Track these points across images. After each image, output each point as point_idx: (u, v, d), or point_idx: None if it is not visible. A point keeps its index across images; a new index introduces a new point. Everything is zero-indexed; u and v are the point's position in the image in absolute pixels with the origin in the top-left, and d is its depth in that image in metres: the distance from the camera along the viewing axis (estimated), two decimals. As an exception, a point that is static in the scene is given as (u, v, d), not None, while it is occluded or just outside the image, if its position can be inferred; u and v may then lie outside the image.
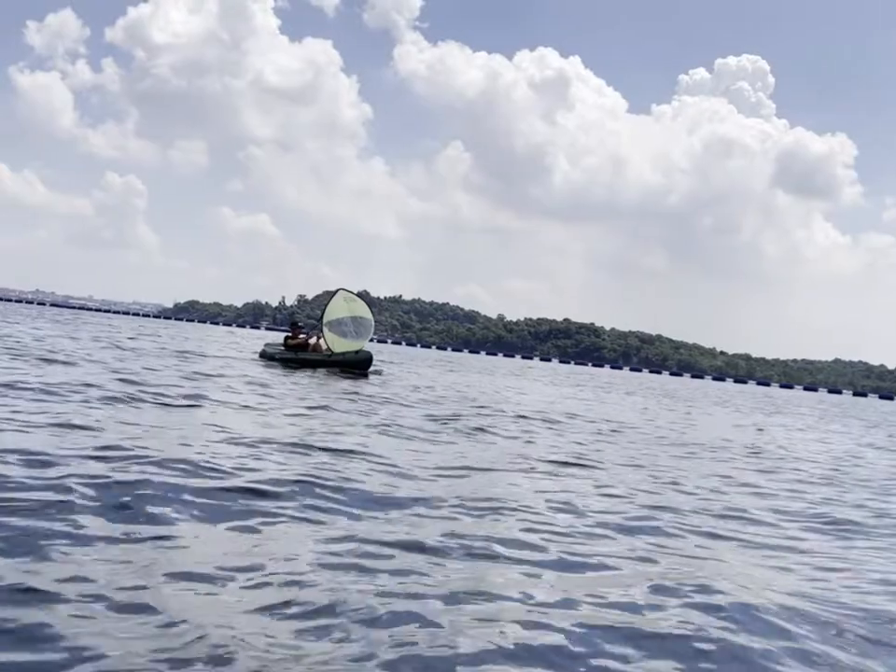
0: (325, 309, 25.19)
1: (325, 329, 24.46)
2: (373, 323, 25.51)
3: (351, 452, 7.86)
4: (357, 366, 24.04)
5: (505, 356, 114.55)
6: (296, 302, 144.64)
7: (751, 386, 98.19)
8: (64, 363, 14.52)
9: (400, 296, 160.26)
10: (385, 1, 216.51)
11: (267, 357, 25.26)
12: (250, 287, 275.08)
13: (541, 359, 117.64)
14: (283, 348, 25.14)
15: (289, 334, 25.97)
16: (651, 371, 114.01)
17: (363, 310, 25.39)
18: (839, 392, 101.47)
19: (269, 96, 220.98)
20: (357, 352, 24.25)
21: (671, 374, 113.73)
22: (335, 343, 24.29)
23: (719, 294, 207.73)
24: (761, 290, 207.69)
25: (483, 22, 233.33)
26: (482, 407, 15.79)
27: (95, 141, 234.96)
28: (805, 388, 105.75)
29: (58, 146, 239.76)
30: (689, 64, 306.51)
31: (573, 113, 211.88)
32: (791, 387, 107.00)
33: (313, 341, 25.11)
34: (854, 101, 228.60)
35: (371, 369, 24.58)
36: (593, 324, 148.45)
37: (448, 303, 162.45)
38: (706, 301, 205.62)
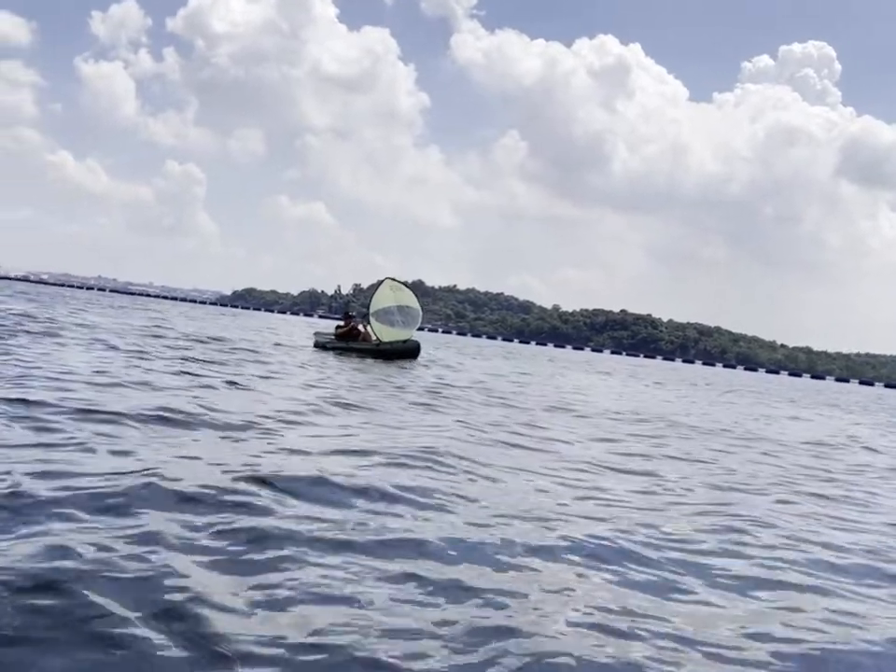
0: (371, 299, 25.93)
1: (372, 319, 25.15)
2: (421, 312, 26.16)
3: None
4: (404, 355, 24.73)
5: (556, 346, 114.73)
6: (351, 291, 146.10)
7: (805, 380, 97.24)
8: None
9: (455, 286, 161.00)
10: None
11: (319, 346, 26.14)
12: (306, 275, 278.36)
13: (592, 350, 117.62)
14: (333, 337, 26.02)
15: (340, 323, 26.81)
16: (704, 364, 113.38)
17: (410, 299, 26.06)
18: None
19: (326, 85, 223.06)
20: (404, 341, 24.96)
21: (724, 366, 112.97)
22: (382, 332, 24.97)
23: (779, 286, 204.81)
24: (823, 282, 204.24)
25: (542, 10, 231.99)
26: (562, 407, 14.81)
27: (156, 129, 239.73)
28: (861, 382, 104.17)
29: (120, 134, 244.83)
30: (752, 52, 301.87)
31: (633, 101, 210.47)
32: (846, 381, 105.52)
33: (361, 328, 25.88)
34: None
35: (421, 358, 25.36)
36: (650, 315, 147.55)
37: (502, 293, 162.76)
38: (766, 292, 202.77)
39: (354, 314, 27.70)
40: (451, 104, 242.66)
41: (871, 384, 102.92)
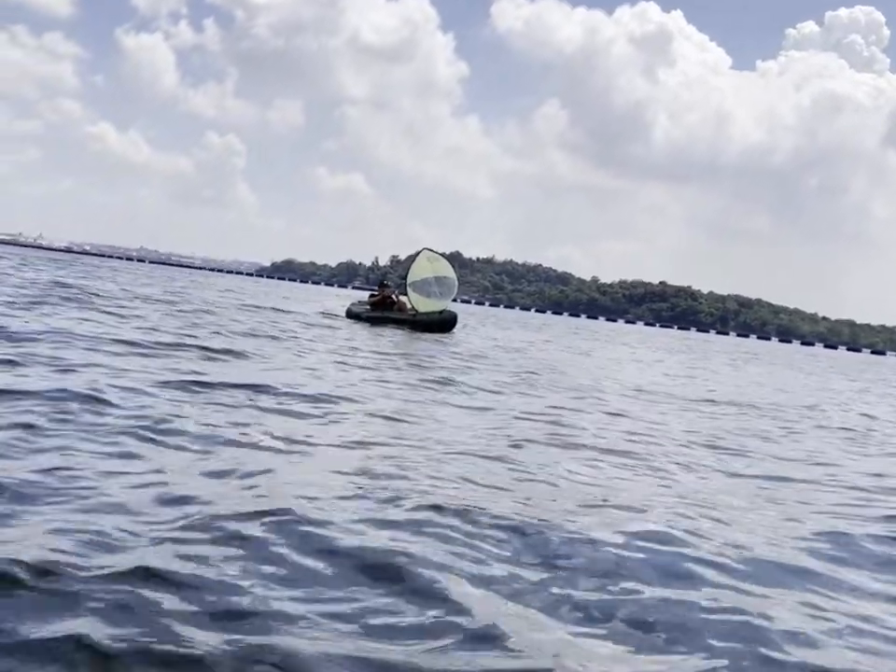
0: (409, 270, 26.82)
1: (409, 290, 25.95)
2: (457, 283, 26.85)
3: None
4: (441, 326, 25.33)
5: (588, 317, 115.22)
6: (389, 263, 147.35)
7: (842, 352, 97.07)
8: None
9: (493, 257, 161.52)
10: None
11: (353, 315, 27.08)
12: (345, 246, 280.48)
13: (626, 322, 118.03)
14: (368, 307, 27.01)
15: (374, 292, 27.76)
16: (738, 335, 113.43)
17: (447, 269, 26.75)
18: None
19: (365, 55, 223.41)
20: (440, 312, 25.62)
21: (759, 338, 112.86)
22: (419, 302, 25.74)
23: (822, 257, 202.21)
24: (867, 254, 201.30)
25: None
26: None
27: (196, 101, 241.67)
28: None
29: (161, 106, 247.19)
30: (797, 18, 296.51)
31: (675, 69, 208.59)
32: (883, 353, 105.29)
33: (395, 298, 26.80)
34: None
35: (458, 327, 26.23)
36: (690, 287, 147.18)
37: (541, 265, 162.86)
38: (808, 264, 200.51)
39: (389, 283, 28.67)
40: (491, 73, 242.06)
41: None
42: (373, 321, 25.82)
